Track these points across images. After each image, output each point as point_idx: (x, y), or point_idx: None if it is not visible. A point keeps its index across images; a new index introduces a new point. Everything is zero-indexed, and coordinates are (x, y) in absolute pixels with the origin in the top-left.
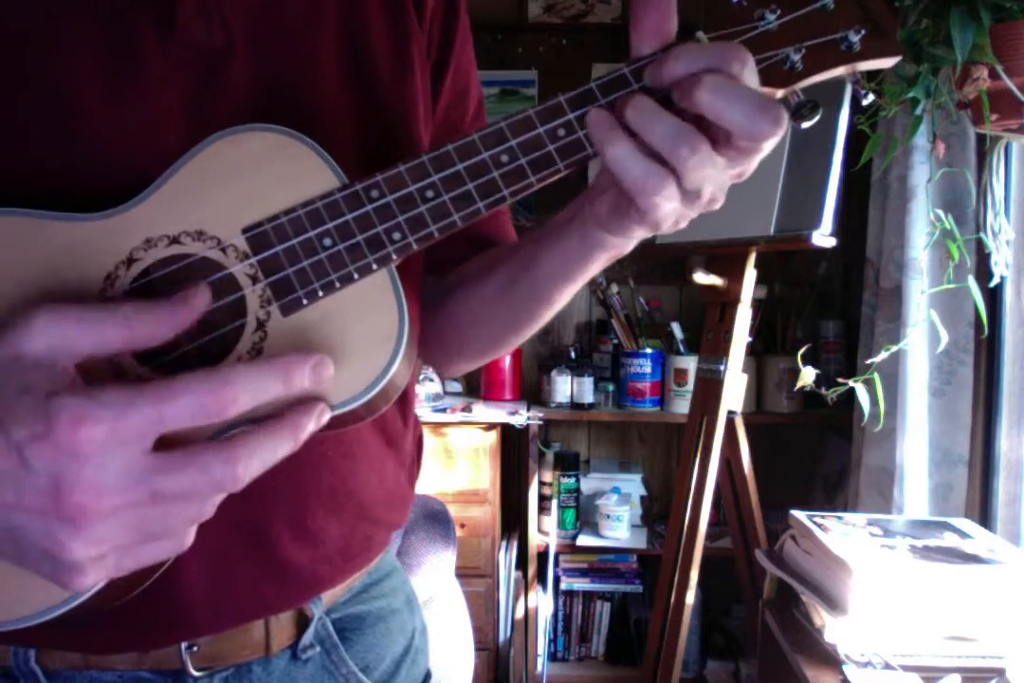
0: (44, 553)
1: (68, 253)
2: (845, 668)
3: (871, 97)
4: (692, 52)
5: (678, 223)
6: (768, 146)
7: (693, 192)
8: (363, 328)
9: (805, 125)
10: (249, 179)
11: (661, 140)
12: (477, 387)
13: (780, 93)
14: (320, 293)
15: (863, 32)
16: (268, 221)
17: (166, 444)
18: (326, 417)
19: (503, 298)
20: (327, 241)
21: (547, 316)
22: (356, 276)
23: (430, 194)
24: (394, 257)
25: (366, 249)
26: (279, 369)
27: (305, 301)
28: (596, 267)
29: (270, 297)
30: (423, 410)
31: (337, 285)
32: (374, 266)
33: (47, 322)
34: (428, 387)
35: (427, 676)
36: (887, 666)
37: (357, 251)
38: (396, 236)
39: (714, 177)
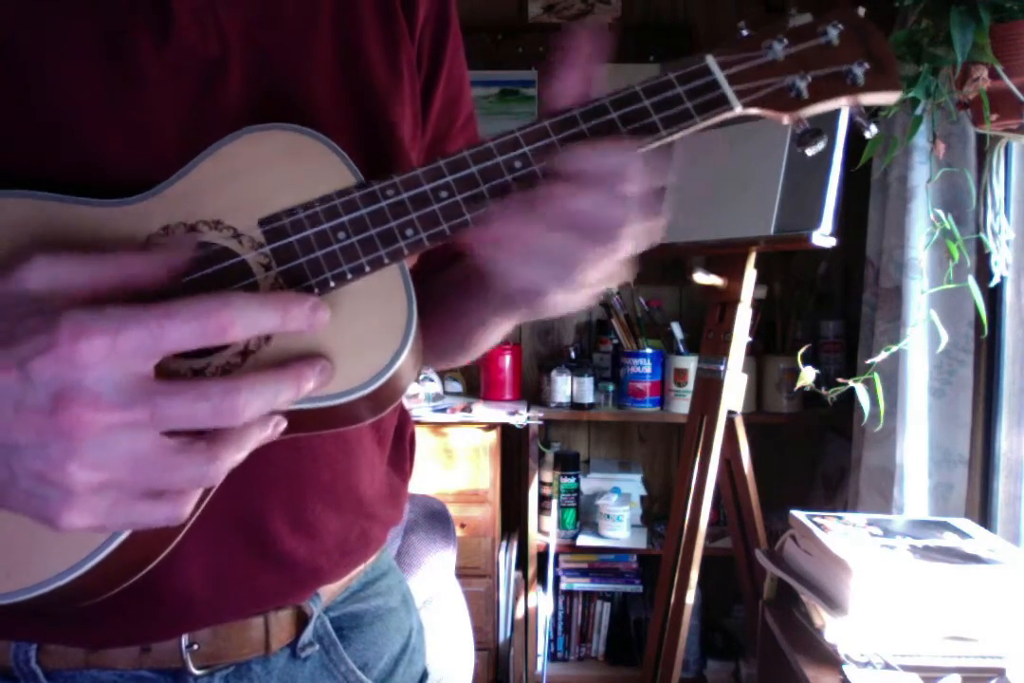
0: (37, 477)
1: (87, 236)
2: (845, 668)
3: (873, 129)
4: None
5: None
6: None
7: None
8: (372, 319)
9: (810, 152)
10: (267, 174)
11: (547, 257)
12: (477, 387)
13: (785, 119)
14: (332, 283)
15: (867, 66)
16: (285, 214)
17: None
18: (328, 374)
19: (442, 333)
20: (341, 234)
21: (489, 343)
22: (368, 268)
23: (444, 194)
24: (406, 252)
25: (379, 243)
26: (278, 301)
27: (317, 290)
28: (514, 318)
29: (282, 285)
30: (423, 410)
31: (349, 276)
32: (386, 259)
33: (46, 262)
34: (428, 387)
35: (424, 675)
36: (887, 666)
37: (370, 244)
38: (409, 232)
39: (605, 270)
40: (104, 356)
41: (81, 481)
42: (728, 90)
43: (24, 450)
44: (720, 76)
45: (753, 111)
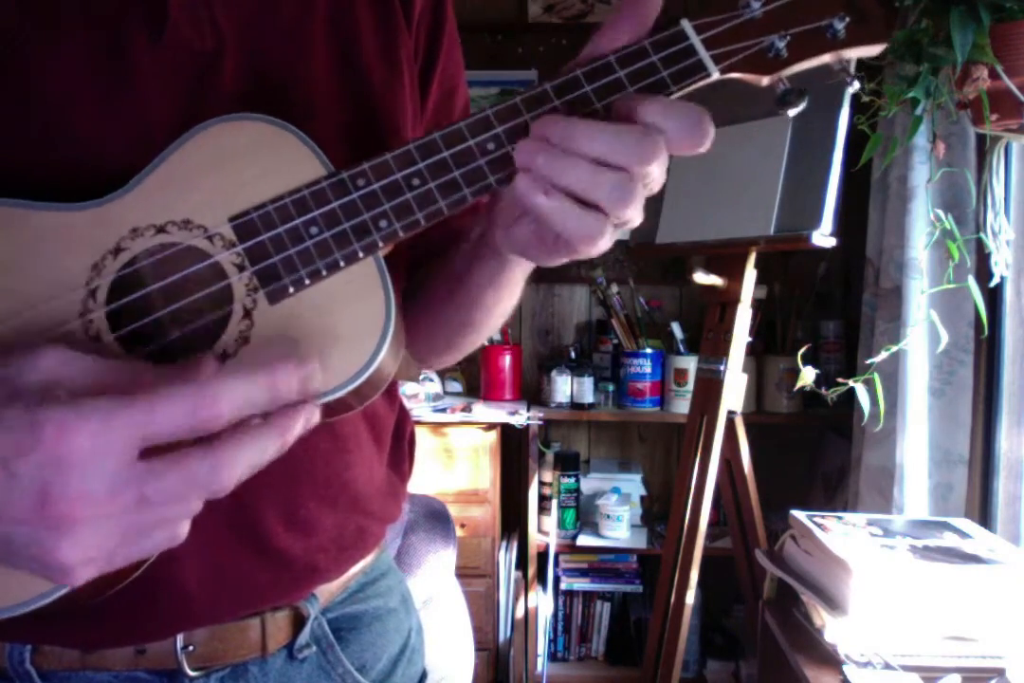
0: (32, 558)
1: (53, 242)
2: (845, 668)
3: (856, 85)
4: (663, 111)
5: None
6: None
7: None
8: (350, 316)
9: (791, 112)
10: (235, 168)
11: (622, 146)
12: (477, 387)
13: (765, 81)
14: (307, 281)
15: (847, 19)
16: (255, 209)
17: (153, 447)
18: (315, 418)
19: (447, 306)
20: (313, 229)
21: (491, 322)
22: (342, 263)
23: (416, 182)
24: (380, 245)
25: (352, 236)
26: (265, 380)
27: (291, 289)
28: (520, 276)
29: (256, 285)
30: (423, 410)
31: (323, 273)
32: (360, 254)
33: (55, 360)
34: (428, 387)
35: (423, 676)
36: (887, 666)
37: (343, 238)
38: (383, 223)
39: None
40: (89, 455)
41: (75, 558)
42: (704, 56)
43: (16, 537)
44: (696, 41)
45: (731, 76)
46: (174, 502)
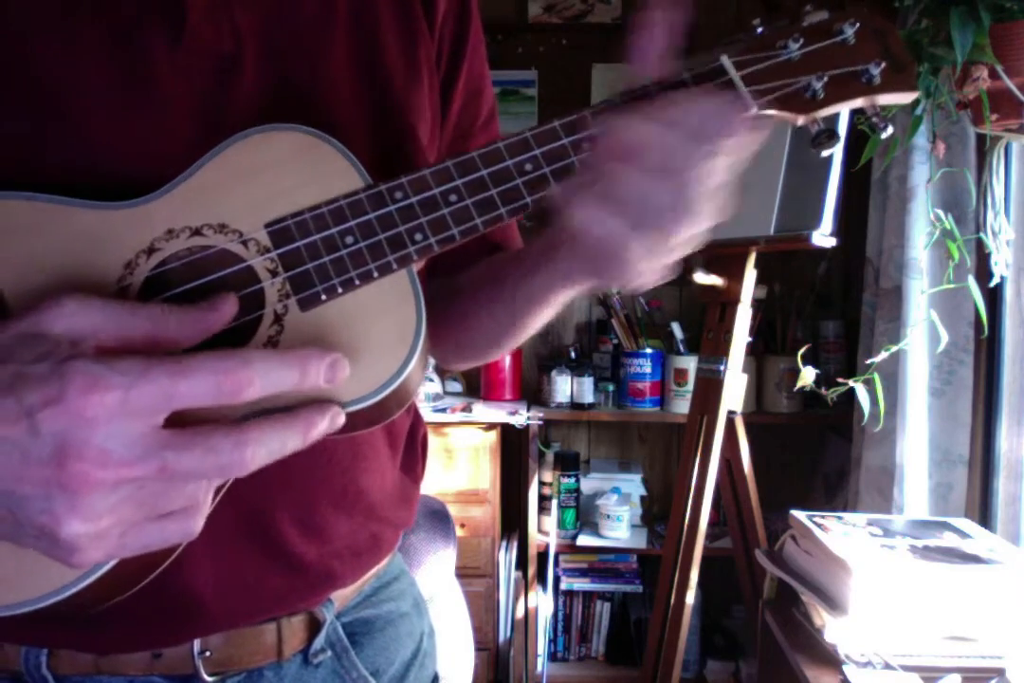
0: (41, 530)
1: (89, 239)
2: (845, 668)
3: (890, 130)
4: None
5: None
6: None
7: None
8: (381, 327)
9: (824, 153)
10: (274, 176)
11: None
12: (477, 387)
13: (800, 120)
14: (339, 289)
15: (883, 66)
16: (291, 217)
17: (178, 426)
18: (340, 420)
19: (487, 313)
20: (349, 239)
21: (526, 332)
22: (376, 274)
23: (453, 198)
24: (415, 257)
25: (387, 248)
26: (297, 360)
27: (324, 296)
28: (566, 297)
29: (289, 291)
30: (423, 410)
31: (357, 282)
32: (394, 265)
33: (76, 307)
34: (428, 387)
35: (435, 679)
36: (887, 666)
37: (378, 250)
38: (418, 237)
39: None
40: (114, 412)
41: (83, 532)
42: (744, 91)
43: (28, 501)
44: (735, 76)
45: (768, 112)
46: (193, 477)
